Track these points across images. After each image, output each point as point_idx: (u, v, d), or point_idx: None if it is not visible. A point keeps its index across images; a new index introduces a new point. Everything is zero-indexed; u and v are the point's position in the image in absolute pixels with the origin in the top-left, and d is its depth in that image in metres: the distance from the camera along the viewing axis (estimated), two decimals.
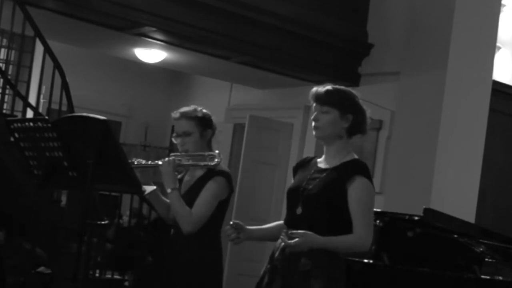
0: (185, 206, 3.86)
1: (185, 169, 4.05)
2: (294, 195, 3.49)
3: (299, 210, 3.44)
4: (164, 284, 4.00)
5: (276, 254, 3.49)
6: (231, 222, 3.56)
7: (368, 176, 3.43)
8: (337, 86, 3.54)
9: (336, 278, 3.37)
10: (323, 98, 3.49)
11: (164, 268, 4.04)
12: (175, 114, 4.08)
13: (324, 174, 3.46)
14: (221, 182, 3.93)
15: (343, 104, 3.49)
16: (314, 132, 3.53)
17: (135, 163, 3.91)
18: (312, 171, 3.52)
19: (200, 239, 3.90)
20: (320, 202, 3.39)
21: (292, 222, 3.46)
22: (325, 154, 3.55)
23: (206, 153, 3.93)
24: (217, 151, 3.93)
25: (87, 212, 3.64)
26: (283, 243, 3.43)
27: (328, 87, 3.52)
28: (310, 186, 3.45)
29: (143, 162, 3.95)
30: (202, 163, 3.90)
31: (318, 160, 3.58)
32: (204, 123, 4.05)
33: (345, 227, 3.37)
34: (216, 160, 3.86)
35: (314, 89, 3.54)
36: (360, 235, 3.34)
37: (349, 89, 3.57)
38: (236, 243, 3.60)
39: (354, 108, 3.52)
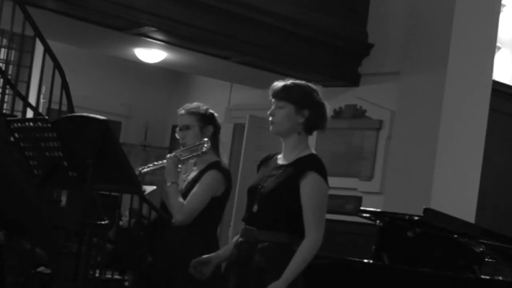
0: (179, 198, 3.96)
1: (184, 162, 4.13)
2: (252, 192, 3.50)
3: (255, 208, 3.44)
4: (163, 283, 4.02)
5: (233, 251, 3.49)
6: (192, 263, 3.57)
7: (321, 172, 3.40)
8: (297, 81, 3.51)
9: None
10: (279, 93, 3.48)
11: (162, 267, 4.06)
12: (180, 110, 4.23)
13: (280, 171, 3.45)
14: (216, 176, 4.03)
15: (299, 99, 3.45)
16: (270, 128, 3.51)
17: (144, 169, 4.04)
18: (271, 168, 3.51)
19: (197, 235, 3.93)
20: (274, 200, 3.39)
21: (249, 220, 3.46)
22: (283, 150, 3.53)
23: (198, 143, 4.04)
24: (205, 139, 4.03)
25: (87, 212, 3.64)
26: (240, 239, 3.44)
27: (287, 82, 3.50)
28: (266, 184, 3.45)
29: (150, 165, 4.07)
30: (194, 153, 4.02)
31: (279, 156, 3.56)
32: (205, 119, 4.18)
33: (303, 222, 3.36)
34: (204, 147, 3.97)
35: (274, 83, 3.52)
36: (312, 239, 3.32)
37: (310, 84, 3.54)
38: (203, 279, 3.62)
39: (311, 103, 3.48)
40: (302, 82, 3.52)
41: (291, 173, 3.40)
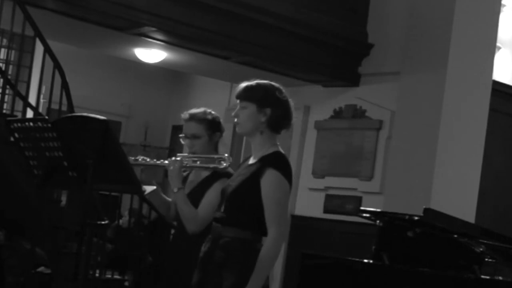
0: (191, 206, 3.90)
1: (191, 169, 4.08)
2: (223, 192, 3.52)
3: (222, 207, 3.47)
4: (165, 283, 4.01)
5: (202, 248, 3.52)
6: None
7: (281, 168, 3.38)
8: (260, 81, 3.51)
9: (250, 269, 3.32)
10: (241, 94, 3.49)
11: (165, 268, 4.05)
12: (185, 115, 4.12)
13: (246, 170, 3.47)
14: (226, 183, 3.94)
15: (260, 98, 3.45)
16: (236, 129, 3.53)
17: (139, 160, 3.94)
18: (242, 168, 3.54)
19: (199, 236, 3.92)
20: (237, 198, 3.41)
21: (219, 219, 3.48)
22: (252, 150, 3.54)
23: (216, 156, 3.94)
24: (226, 155, 3.95)
25: (87, 212, 3.64)
26: (209, 236, 3.47)
27: (250, 82, 3.50)
28: (233, 183, 3.48)
29: (148, 160, 3.97)
30: (211, 165, 3.92)
31: (252, 157, 3.58)
32: (213, 126, 4.09)
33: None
34: (224, 164, 3.88)
35: (239, 85, 3.53)
36: (271, 238, 3.31)
37: (273, 83, 3.53)
38: None
39: (273, 102, 3.46)
40: (265, 81, 3.52)
41: (253, 171, 3.41)
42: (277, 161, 3.40)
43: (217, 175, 3.96)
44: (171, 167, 3.90)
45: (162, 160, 3.98)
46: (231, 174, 3.99)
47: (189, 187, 4.06)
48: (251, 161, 3.51)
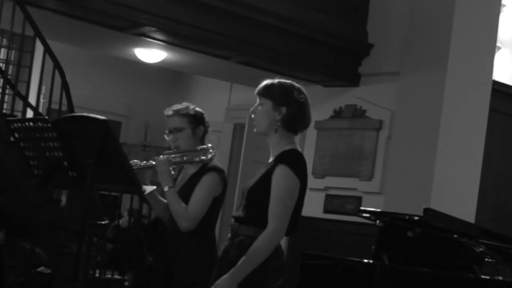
0: (181, 203, 3.90)
1: (179, 166, 4.08)
2: (243, 191, 3.52)
3: (241, 206, 3.47)
4: (162, 282, 4.02)
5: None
6: None
7: (291, 164, 3.35)
8: (282, 80, 3.49)
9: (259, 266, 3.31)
10: (260, 91, 3.48)
11: (161, 267, 4.05)
12: (168, 111, 4.18)
13: (263, 168, 3.47)
14: (215, 178, 3.97)
15: (277, 96, 3.43)
16: (254, 129, 3.52)
17: (145, 162, 3.96)
18: (262, 167, 3.53)
19: (196, 236, 3.92)
20: (252, 196, 3.41)
21: (236, 218, 3.48)
22: (270, 150, 3.52)
23: (199, 148, 3.97)
24: (209, 145, 3.97)
25: (87, 212, 3.64)
26: (229, 234, 3.47)
27: (272, 80, 3.49)
28: (250, 182, 3.48)
29: (138, 162, 3.97)
30: (197, 159, 3.95)
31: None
32: (196, 120, 4.11)
33: None
34: (210, 153, 3.91)
35: (261, 82, 3.54)
36: (267, 232, 3.28)
37: (294, 83, 3.50)
38: None
39: (289, 101, 3.43)
40: (287, 81, 3.50)
41: (267, 169, 3.41)
42: (288, 157, 3.38)
43: (205, 169, 3.97)
44: (160, 168, 3.92)
45: (151, 161, 3.99)
46: (219, 168, 4.02)
47: (179, 185, 4.06)
48: (269, 160, 3.50)
